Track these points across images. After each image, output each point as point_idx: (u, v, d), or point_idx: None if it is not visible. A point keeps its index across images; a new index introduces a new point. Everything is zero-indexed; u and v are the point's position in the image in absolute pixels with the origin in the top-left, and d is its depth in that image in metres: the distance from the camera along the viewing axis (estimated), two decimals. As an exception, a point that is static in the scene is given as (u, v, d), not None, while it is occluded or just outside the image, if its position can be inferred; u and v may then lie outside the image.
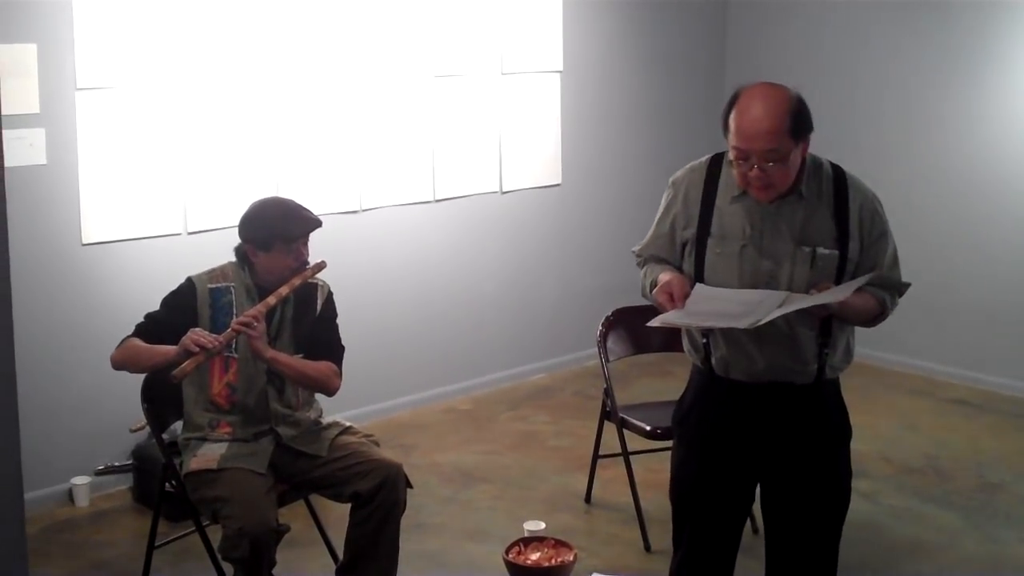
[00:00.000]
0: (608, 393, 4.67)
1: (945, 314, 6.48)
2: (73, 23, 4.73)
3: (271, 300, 3.68)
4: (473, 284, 6.27)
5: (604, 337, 4.77)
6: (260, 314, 3.63)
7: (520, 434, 5.75)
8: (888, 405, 6.13)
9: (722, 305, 2.99)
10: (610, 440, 4.73)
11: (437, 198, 6.02)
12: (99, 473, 4.97)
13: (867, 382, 6.46)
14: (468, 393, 6.26)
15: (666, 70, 6.94)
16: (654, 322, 3.00)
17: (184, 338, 3.55)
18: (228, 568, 3.67)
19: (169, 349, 3.59)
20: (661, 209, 3.25)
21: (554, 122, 6.48)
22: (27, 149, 4.66)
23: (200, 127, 5.13)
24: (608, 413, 4.70)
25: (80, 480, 4.89)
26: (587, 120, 6.61)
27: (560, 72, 6.45)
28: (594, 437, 4.89)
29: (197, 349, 3.52)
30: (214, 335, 3.58)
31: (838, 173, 3.13)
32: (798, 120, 2.96)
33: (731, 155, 3.01)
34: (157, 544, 4.05)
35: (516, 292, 6.47)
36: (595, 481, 4.93)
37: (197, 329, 3.59)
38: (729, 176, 3.09)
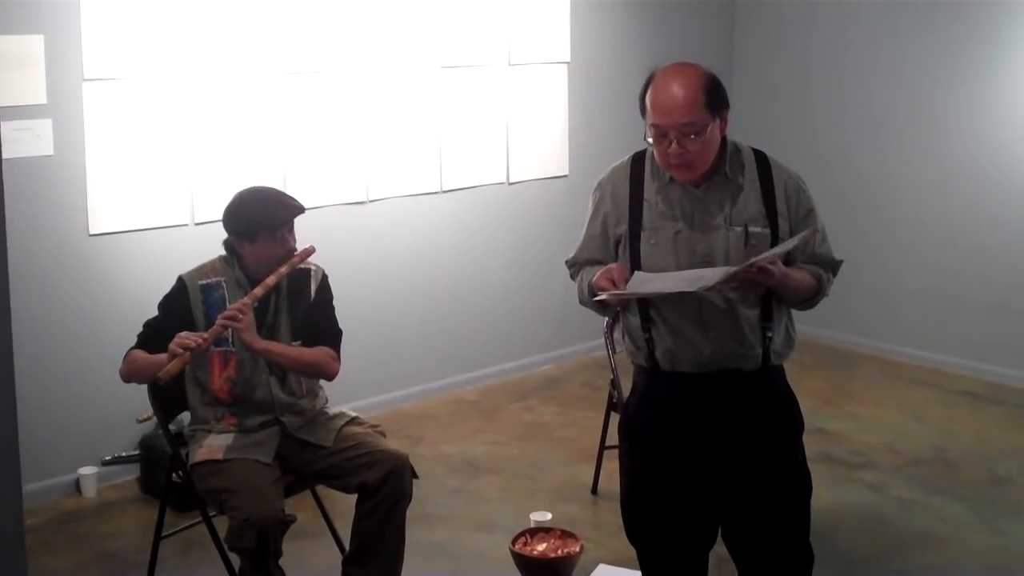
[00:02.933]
0: (615, 384, 4.67)
1: (953, 305, 6.46)
2: (80, 14, 4.72)
3: (258, 291, 3.66)
4: (480, 275, 6.27)
5: (611, 328, 4.75)
6: (246, 306, 3.61)
7: (527, 425, 5.76)
8: (895, 397, 6.12)
9: (664, 283, 2.98)
10: (617, 431, 4.72)
11: (444, 189, 6.02)
12: (106, 463, 4.98)
13: (874, 373, 6.46)
14: (475, 384, 6.26)
15: (674, 61, 6.91)
16: (603, 295, 2.97)
17: (171, 344, 3.55)
18: (235, 558, 3.67)
19: (163, 359, 3.58)
20: (590, 212, 3.24)
21: (561, 113, 6.47)
22: (34, 140, 4.66)
23: (207, 118, 5.13)
24: (615, 404, 4.70)
25: (87, 470, 4.91)
26: (594, 111, 6.59)
27: (567, 63, 6.44)
28: (601, 428, 4.89)
29: (181, 351, 3.52)
30: (198, 334, 3.58)
31: (760, 155, 3.14)
32: (713, 94, 2.98)
33: (650, 135, 3.01)
34: (164, 534, 4.05)
35: (523, 283, 6.46)
36: (602, 472, 4.93)
37: (183, 332, 3.58)
38: (654, 170, 3.10)
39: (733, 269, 2.91)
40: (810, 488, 3.21)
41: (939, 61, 6.40)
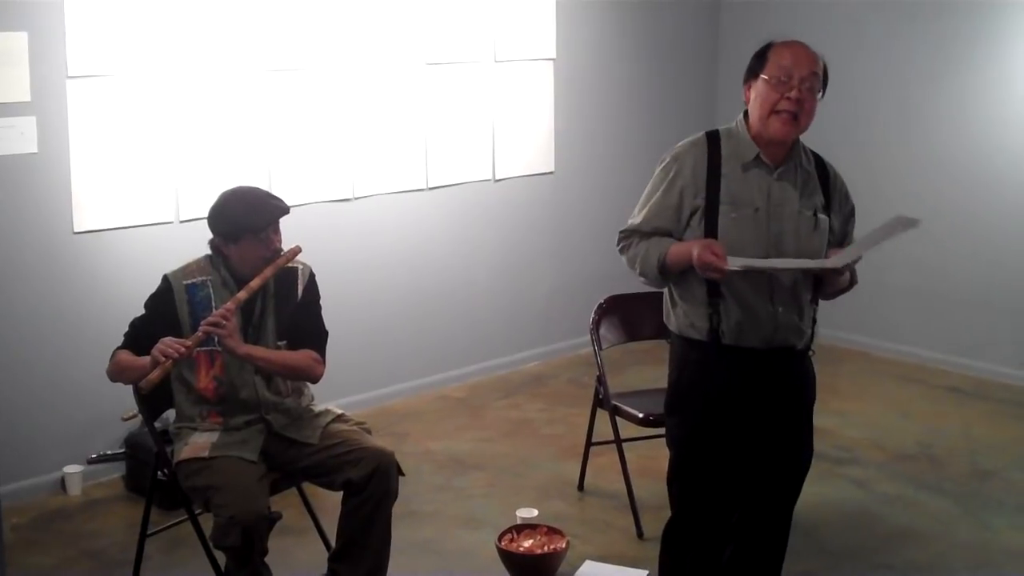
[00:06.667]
0: (601, 380, 4.67)
1: (938, 301, 6.49)
2: (64, 11, 4.70)
3: (241, 295, 3.65)
4: (466, 272, 6.27)
5: (597, 324, 4.77)
6: (229, 312, 3.60)
7: (513, 422, 5.76)
8: (881, 392, 6.14)
9: (767, 264, 3.17)
10: (603, 427, 4.73)
11: (430, 186, 6.01)
12: (92, 462, 4.96)
13: (859, 369, 6.48)
14: (461, 381, 6.26)
15: (659, 58, 6.94)
16: (734, 265, 3.07)
17: (153, 349, 3.54)
18: (220, 556, 3.67)
19: (147, 361, 3.56)
20: (664, 182, 3.30)
21: (547, 110, 6.47)
22: (18, 137, 4.64)
23: (192, 115, 5.11)
24: (601, 400, 4.71)
25: (72, 469, 4.89)
26: (580, 108, 6.60)
27: (553, 60, 6.44)
28: (587, 424, 4.90)
29: (163, 359, 3.51)
30: (180, 341, 3.56)
31: (816, 154, 3.37)
32: (825, 71, 3.25)
33: (763, 89, 3.19)
34: (149, 532, 4.04)
35: (509, 280, 6.46)
36: (588, 468, 4.93)
37: (166, 339, 3.56)
38: (731, 148, 3.25)
39: (830, 264, 3.15)
40: (812, 450, 3.48)
41: (925, 57, 6.42)
